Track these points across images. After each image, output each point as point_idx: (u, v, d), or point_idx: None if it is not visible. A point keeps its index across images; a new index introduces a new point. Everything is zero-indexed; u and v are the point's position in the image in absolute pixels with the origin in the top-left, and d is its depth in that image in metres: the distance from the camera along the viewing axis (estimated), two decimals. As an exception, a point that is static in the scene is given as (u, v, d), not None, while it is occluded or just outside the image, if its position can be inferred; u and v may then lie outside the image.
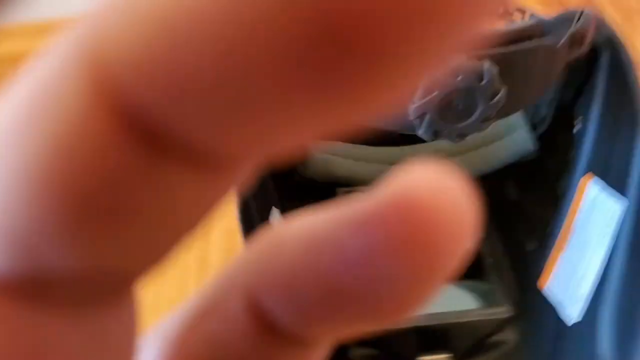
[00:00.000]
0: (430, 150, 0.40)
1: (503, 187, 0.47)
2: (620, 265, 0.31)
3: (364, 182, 0.40)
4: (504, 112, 0.24)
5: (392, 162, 0.40)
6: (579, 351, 0.35)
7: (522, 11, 0.25)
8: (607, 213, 0.33)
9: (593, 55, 0.33)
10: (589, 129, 0.34)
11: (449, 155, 0.40)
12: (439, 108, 0.22)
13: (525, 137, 0.38)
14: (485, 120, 0.23)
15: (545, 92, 0.26)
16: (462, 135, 0.24)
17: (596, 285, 0.34)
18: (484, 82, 0.22)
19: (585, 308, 0.35)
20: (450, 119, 0.23)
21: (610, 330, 0.32)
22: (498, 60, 0.22)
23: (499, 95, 0.23)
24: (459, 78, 0.22)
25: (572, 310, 0.36)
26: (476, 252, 0.46)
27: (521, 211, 0.45)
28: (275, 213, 0.37)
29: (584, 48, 0.29)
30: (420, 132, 0.23)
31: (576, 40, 0.27)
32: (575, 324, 0.36)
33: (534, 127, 0.38)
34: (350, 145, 0.40)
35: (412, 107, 0.22)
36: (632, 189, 0.30)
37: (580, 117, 0.35)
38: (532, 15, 0.25)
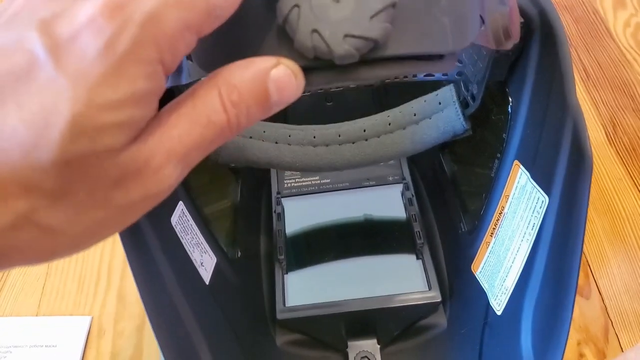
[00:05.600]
0: (356, 128, 0.37)
1: (442, 166, 0.44)
2: (541, 264, 0.29)
3: (282, 164, 0.36)
4: (406, 35, 0.18)
5: (314, 144, 0.36)
6: (504, 344, 0.34)
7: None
8: (534, 203, 0.30)
9: (526, 29, 0.29)
10: (520, 110, 0.32)
11: (376, 134, 0.37)
12: None
13: (456, 115, 0.35)
14: (377, 16, 0.17)
15: (461, 42, 0.21)
16: (351, 38, 0.17)
17: (521, 278, 0.32)
18: None
19: (510, 301, 0.33)
20: (328, 8, 0.17)
21: (530, 328, 0.30)
22: None
23: None
24: None
25: (498, 300, 0.34)
26: (411, 232, 0.44)
27: (457, 191, 0.42)
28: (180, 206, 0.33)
29: (514, 37, 0.25)
30: (297, 40, 0.18)
31: (499, 32, 0.23)
32: (502, 315, 0.34)
33: (465, 105, 0.35)
34: (267, 125, 0.36)
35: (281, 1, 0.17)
36: (555, 190, 0.28)
37: (513, 97, 0.32)
38: None
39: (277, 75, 0.18)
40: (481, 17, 0.22)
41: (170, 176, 0.17)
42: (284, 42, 0.18)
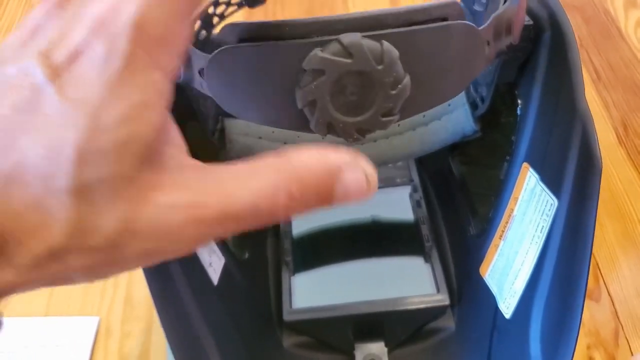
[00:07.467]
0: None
1: (450, 168, 0.44)
2: (549, 268, 0.29)
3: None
4: (414, 107, 0.21)
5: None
6: (513, 348, 0.33)
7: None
8: (543, 206, 0.30)
9: (535, 31, 0.29)
10: (529, 112, 0.31)
11: (385, 135, 0.37)
12: (331, 95, 0.19)
13: (465, 117, 0.35)
14: (387, 115, 0.20)
15: (465, 84, 0.23)
16: (360, 132, 0.20)
17: (530, 281, 0.31)
18: (381, 66, 0.19)
19: (519, 304, 0.33)
20: (345, 111, 0.19)
21: (539, 332, 0.30)
22: (399, 41, 0.19)
23: (401, 84, 0.19)
24: (351, 60, 0.18)
25: (507, 303, 0.34)
26: (419, 234, 0.43)
27: (466, 194, 0.42)
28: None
29: (514, 37, 0.25)
30: (313, 125, 0.20)
31: (501, 26, 0.23)
32: (511, 319, 0.34)
33: (474, 106, 0.35)
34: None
35: (300, 92, 0.19)
36: (564, 193, 0.27)
37: (522, 99, 0.32)
38: None
39: (349, 180, 0.16)
40: (488, 42, 0.22)
41: (190, 239, 0.15)
42: (301, 116, 0.20)
